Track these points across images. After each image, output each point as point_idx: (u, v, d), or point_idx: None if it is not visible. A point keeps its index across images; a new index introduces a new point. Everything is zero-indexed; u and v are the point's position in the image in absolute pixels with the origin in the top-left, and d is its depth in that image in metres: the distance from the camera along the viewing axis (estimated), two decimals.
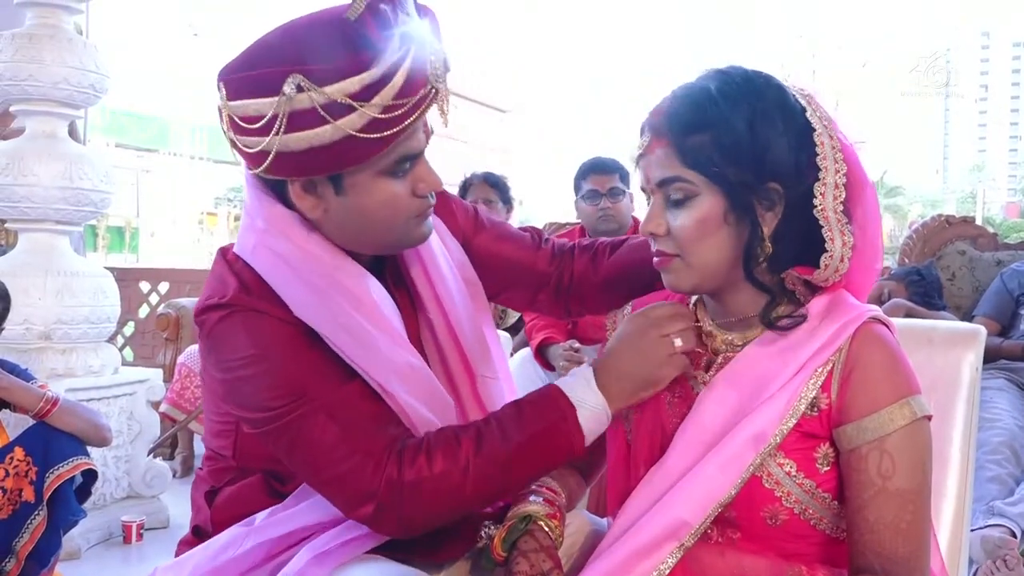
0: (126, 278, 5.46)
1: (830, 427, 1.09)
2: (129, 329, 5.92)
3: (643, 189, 1.18)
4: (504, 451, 1.15)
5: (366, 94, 1.08)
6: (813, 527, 1.11)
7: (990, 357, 3.07)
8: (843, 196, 1.11)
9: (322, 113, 1.08)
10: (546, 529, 1.16)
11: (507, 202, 3.66)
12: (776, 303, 1.14)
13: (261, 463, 1.28)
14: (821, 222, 1.10)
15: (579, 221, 3.44)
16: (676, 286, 1.16)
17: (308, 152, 1.11)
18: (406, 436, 1.18)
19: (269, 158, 1.12)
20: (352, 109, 1.08)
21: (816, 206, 1.10)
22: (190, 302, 4.74)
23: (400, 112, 1.11)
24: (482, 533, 1.19)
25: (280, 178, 1.18)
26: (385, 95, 1.09)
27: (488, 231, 1.49)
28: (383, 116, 1.10)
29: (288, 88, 1.07)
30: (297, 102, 1.08)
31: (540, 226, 4.62)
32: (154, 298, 5.90)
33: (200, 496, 1.36)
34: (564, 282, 1.49)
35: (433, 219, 1.38)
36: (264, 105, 1.10)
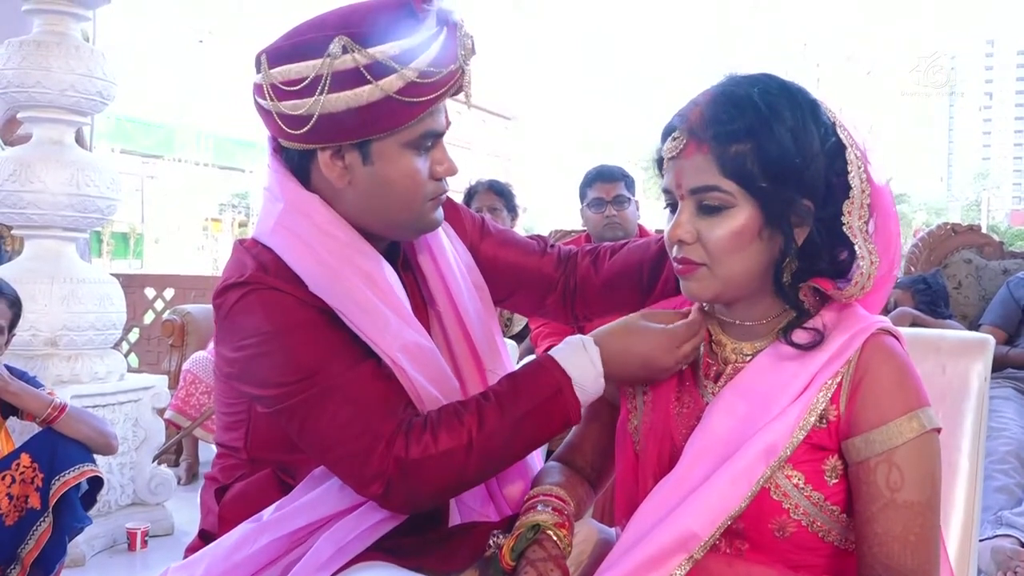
0: (131, 284, 5.47)
1: (839, 439, 1.09)
2: (134, 335, 5.93)
3: (667, 191, 1.16)
4: (505, 426, 1.18)
5: (405, 58, 1.17)
6: (821, 539, 1.10)
7: (997, 366, 3.06)
8: (867, 216, 1.11)
9: (365, 73, 1.16)
10: (555, 538, 1.16)
11: (512, 209, 3.67)
12: (802, 318, 1.13)
13: (273, 452, 1.31)
14: (852, 239, 1.10)
15: (585, 229, 3.44)
16: (697, 295, 1.15)
17: (346, 114, 1.18)
18: (412, 415, 1.21)
19: (311, 121, 1.19)
20: (393, 70, 1.17)
21: (844, 223, 1.10)
22: (195, 308, 4.74)
23: (433, 80, 1.19)
24: (490, 542, 1.19)
25: (312, 146, 1.23)
26: (421, 61, 1.18)
27: (494, 237, 1.53)
28: (420, 81, 1.18)
29: (334, 48, 1.16)
30: (341, 63, 1.16)
31: (545, 233, 4.63)
32: (159, 304, 5.91)
33: (209, 496, 1.38)
34: (570, 286, 1.52)
35: (445, 224, 1.41)
36: (308, 67, 1.18)
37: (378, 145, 1.22)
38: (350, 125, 1.19)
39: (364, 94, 1.17)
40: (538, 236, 1.60)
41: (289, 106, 1.19)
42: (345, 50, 1.16)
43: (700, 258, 1.12)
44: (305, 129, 1.20)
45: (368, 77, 1.16)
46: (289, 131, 1.22)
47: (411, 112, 1.20)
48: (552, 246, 1.56)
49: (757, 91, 1.10)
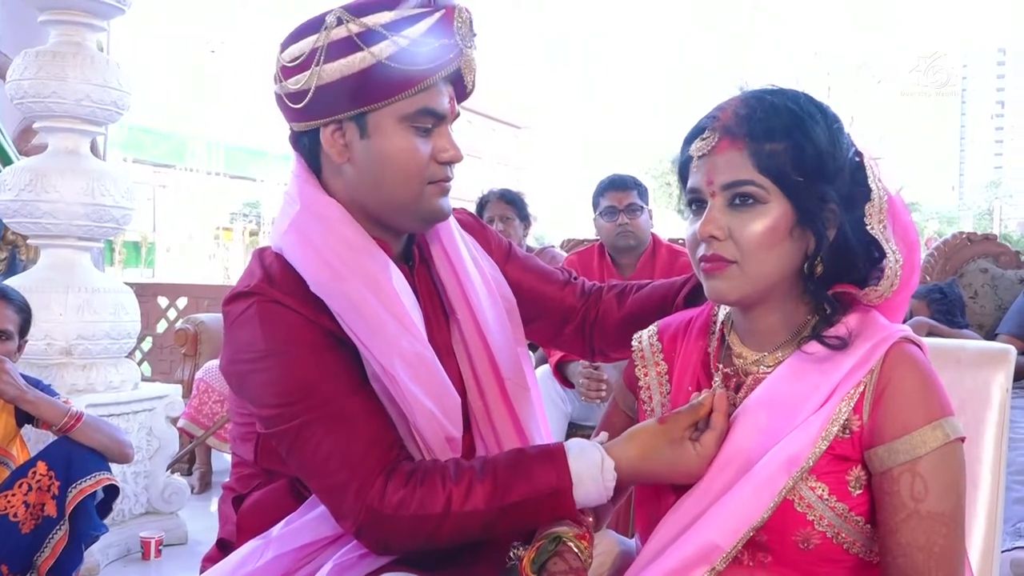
0: (144, 293, 5.49)
1: (862, 449, 1.08)
2: (147, 344, 5.94)
3: (694, 190, 1.14)
4: (491, 508, 1.15)
5: (397, 27, 1.21)
6: (846, 551, 1.09)
7: (1014, 376, 3.04)
8: (886, 222, 1.11)
9: (357, 41, 1.21)
10: (576, 550, 1.15)
11: (524, 218, 3.66)
12: (832, 320, 1.13)
13: (283, 465, 1.29)
14: (879, 240, 1.10)
15: (598, 238, 3.43)
16: (724, 295, 1.13)
17: (340, 83, 1.22)
18: (399, 459, 1.19)
19: (309, 94, 1.23)
20: (384, 37, 1.21)
21: (868, 225, 1.10)
22: (208, 317, 4.75)
23: (426, 50, 1.22)
24: (511, 554, 1.19)
25: (315, 123, 1.26)
26: (414, 31, 1.22)
27: (519, 262, 1.54)
28: (412, 49, 1.21)
29: (330, 20, 1.22)
30: (336, 33, 1.22)
31: (557, 243, 4.63)
32: (172, 313, 5.92)
33: (227, 505, 1.38)
34: (590, 317, 1.53)
35: (469, 238, 1.41)
36: (308, 43, 1.23)
37: (374, 117, 1.24)
38: (345, 94, 1.22)
39: (356, 61, 1.21)
40: (563, 268, 1.62)
41: (292, 82, 1.24)
42: (339, 21, 1.21)
43: (731, 255, 1.11)
44: (305, 103, 1.24)
45: (360, 44, 1.20)
46: (293, 107, 1.26)
47: (405, 83, 1.22)
48: (576, 278, 1.57)
49: (788, 96, 1.11)
